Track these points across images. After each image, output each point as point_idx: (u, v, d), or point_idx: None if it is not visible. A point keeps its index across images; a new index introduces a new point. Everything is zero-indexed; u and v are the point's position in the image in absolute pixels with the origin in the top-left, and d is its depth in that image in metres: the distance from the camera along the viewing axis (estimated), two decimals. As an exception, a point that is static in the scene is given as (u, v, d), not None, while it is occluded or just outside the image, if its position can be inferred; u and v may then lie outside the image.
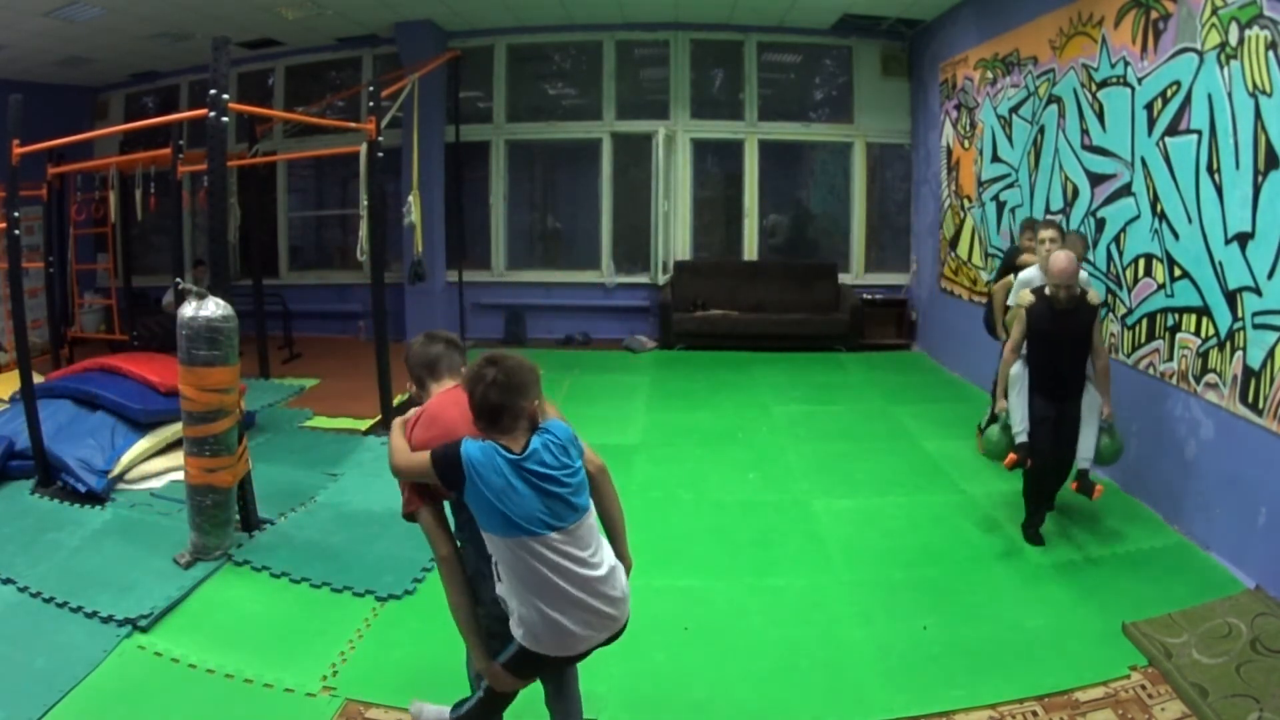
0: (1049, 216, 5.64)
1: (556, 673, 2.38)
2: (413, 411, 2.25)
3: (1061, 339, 3.90)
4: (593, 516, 2.14)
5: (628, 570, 2.24)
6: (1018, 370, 4.06)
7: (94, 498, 4.42)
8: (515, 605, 2.06)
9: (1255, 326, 3.64)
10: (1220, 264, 3.88)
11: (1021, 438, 3.99)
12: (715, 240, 9.58)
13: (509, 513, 1.98)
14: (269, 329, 7.70)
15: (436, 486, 2.09)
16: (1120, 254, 4.79)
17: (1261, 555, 3.52)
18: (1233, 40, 3.76)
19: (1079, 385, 3.98)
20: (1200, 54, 4.01)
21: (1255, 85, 3.61)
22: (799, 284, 8.83)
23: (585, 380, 7.34)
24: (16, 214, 4.69)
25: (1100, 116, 5.01)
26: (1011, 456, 3.99)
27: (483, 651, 2.16)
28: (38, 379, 5.10)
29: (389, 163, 6.32)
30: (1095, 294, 4.01)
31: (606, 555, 2.14)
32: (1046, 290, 3.90)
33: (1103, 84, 4.97)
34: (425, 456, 2.06)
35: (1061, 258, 3.83)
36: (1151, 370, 4.47)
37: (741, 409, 6.42)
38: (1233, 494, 3.76)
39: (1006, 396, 4.09)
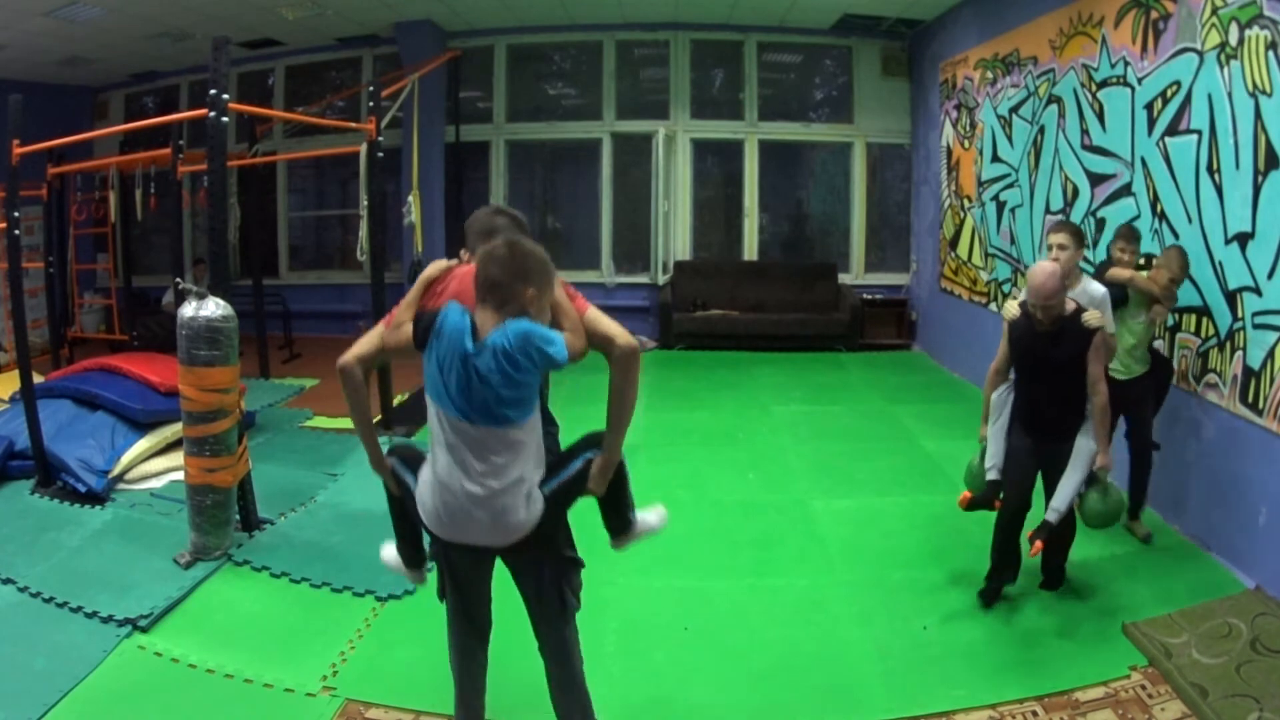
0: (1057, 217, 5.63)
1: (448, 564, 2.29)
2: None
3: (1040, 366, 3.28)
4: (516, 435, 2.04)
5: (609, 464, 2.15)
6: (1001, 395, 3.47)
7: (94, 498, 4.42)
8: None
9: (1255, 326, 3.64)
10: (1220, 264, 3.88)
11: (992, 475, 3.44)
12: (715, 240, 9.58)
13: (436, 379, 2.04)
14: (269, 329, 7.70)
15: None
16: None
17: (1261, 555, 3.52)
18: (1233, 40, 3.76)
19: (1066, 425, 3.30)
20: (1200, 54, 4.01)
21: (1255, 85, 3.61)
22: (799, 284, 8.83)
23: (585, 380, 7.26)
24: (16, 214, 4.68)
25: (1100, 116, 5.01)
26: (965, 495, 3.52)
27: (376, 451, 2.35)
28: (38, 379, 5.10)
29: (389, 163, 6.32)
30: (1095, 315, 3.26)
31: (504, 481, 2.03)
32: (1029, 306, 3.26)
33: (1103, 84, 4.97)
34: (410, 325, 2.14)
35: (1040, 271, 3.15)
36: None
37: (741, 409, 6.42)
38: (1233, 494, 3.76)
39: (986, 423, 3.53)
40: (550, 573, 2.25)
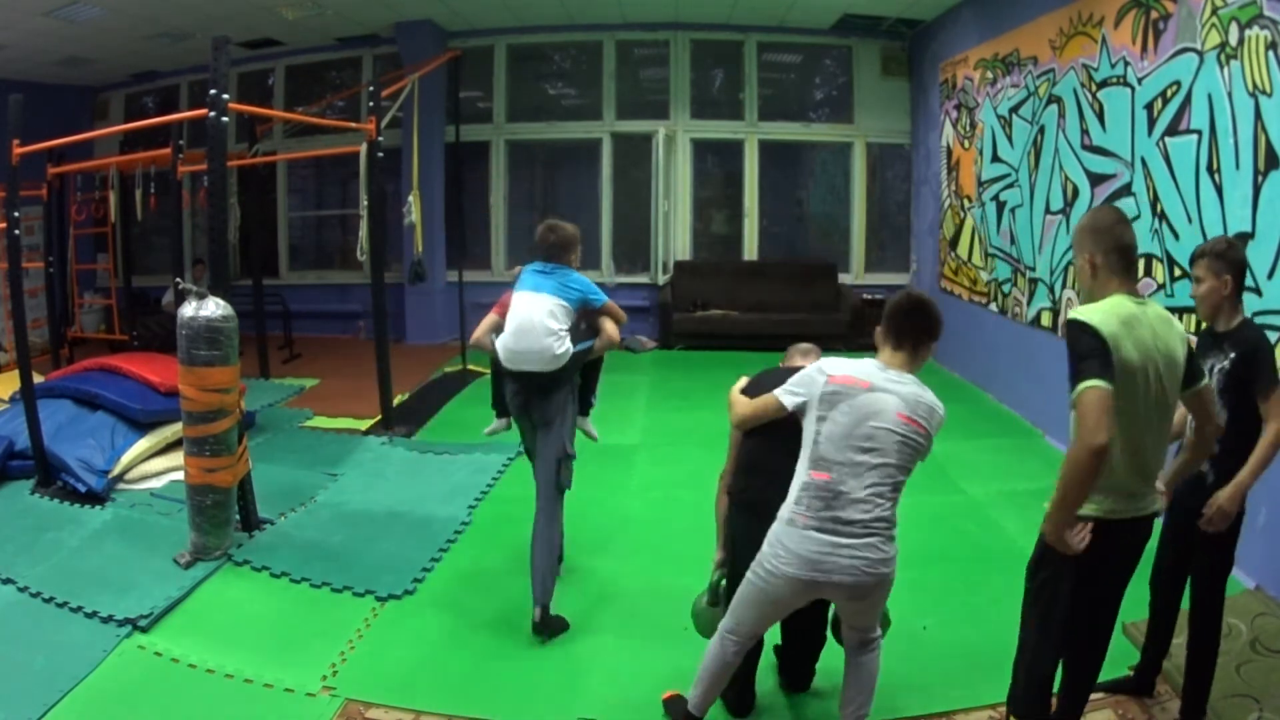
0: (1056, 217, 5.62)
1: (512, 400, 3.51)
2: None
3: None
4: (560, 303, 3.32)
5: (603, 349, 3.49)
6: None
7: (94, 498, 4.42)
8: None
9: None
10: (1220, 264, 3.88)
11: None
12: (715, 240, 9.58)
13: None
14: (269, 329, 7.70)
15: None
16: (1120, 254, 4.79)
17: (1261, 555, 3.52)
18: (1233, 40, 3.76)
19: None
20: (1200, 54, 4.02)
21: (1255, 85, 3.61)
22: (799, 284, 8.82)
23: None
24: (16, 214, 4.69)
25: (1100, 116, 5.01)
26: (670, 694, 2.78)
27: (481, 335, 3.53)
28: (38, 379, 5.10)
29: (389, 163, 6.32)
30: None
31: (557, 335, 3.28)
32: None
33: (1103, 84, 4.97)
34: None
35: None
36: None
37: (741, 409, 6.40)
38: (1233, 494, 3.75)
39: None
40: (555, 437, 3.37)
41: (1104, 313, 2.00)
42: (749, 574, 2.37)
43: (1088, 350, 1.95)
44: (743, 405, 2.58)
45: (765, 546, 2.32)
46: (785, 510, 2.30)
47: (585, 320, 3.44)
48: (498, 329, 3.37)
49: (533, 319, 3.25)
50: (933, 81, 8.13)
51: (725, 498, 2.72)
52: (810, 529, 2.22)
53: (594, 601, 3.53)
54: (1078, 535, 2.04)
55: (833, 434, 2.25)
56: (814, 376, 2.36)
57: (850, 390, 2.28)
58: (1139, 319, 2.02)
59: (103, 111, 9.93)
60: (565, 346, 3.28)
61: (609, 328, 3.45)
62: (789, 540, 2.25)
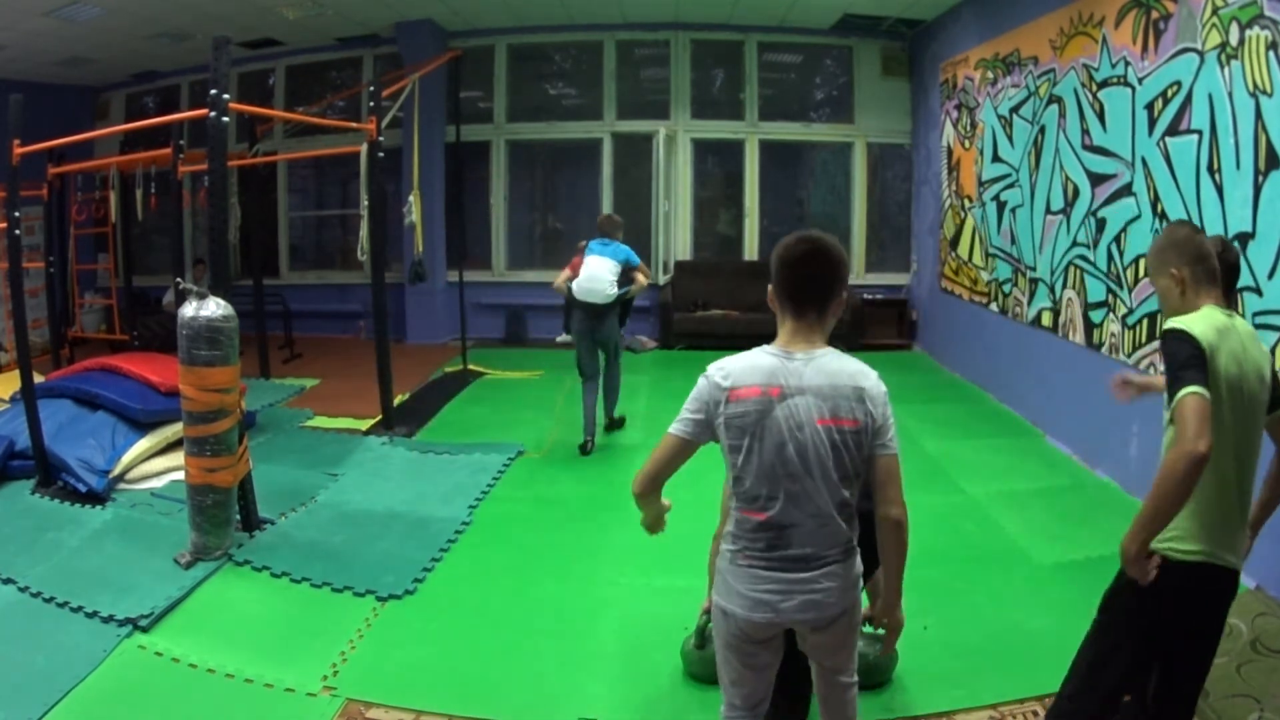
0: (1057, 217, 5.60)
1: (575, 325, 5.58)
2: None
3: None
4: (613, 264, 5.37)
5: (635, 289, 5.52)
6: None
7: (94, 497, 4.42)
8: None
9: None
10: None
11: None
12: (715, 240, 9.58)
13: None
14: (269, 329, 7.70)
15: None
16: (1121, 254, 4.79)
17: (1261, 555, 3.51)
18: (1233, 40, 3.76)
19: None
20: (1201, 54, 4.01)
21: (1256, 85, 3.61)
22: (799, 284, 8.81)
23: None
24: (17, 214, 4.69)
25: (1101, 116, 5.01)
26: None
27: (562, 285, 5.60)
28: (38, 379, 5.10)
29: (389, 163, 6.33)
30: None
31: (609, 277, 5.34)
32: None
33: (1103, 84, 4.97)
34: None
35: None
36: (1152, 370, 4.47)
37: (742, 409, 6.41)
38: (1233, 494, 3.75)
39: None
40: (611, 340, 5.52)
41: (1201, 322, 1.94)
42: (715, 647, 2.04)
43: (1186, 359, 1.87)
44: (642, 470, 1.98)
45: (715, 593, 1.98)
46: (725, 545, 1.94)
47: (626, 274, 5.43)
48: (570, 280, 5.39)
49: (597, 272, 5.31)
50: (933, 81, 8.13)
51: (717, 543, 2.40)
52: (756, 568, 1.86)
53: (594, 601, 3.53)
54: (1152, 565, 1.91)
55: (755, 467, 1.82)
56: (711, 393, 1.83)
57: (759, 406, 1.80)
58: (1231, 330, 1.97)
59: (103, 111, 9.93)
60: (615, 290, 5.34)
61: (640, 278, 5.50)
62: (736, 581, 1.90)
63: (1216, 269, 2.07)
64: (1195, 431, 1.77)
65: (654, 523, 2.12)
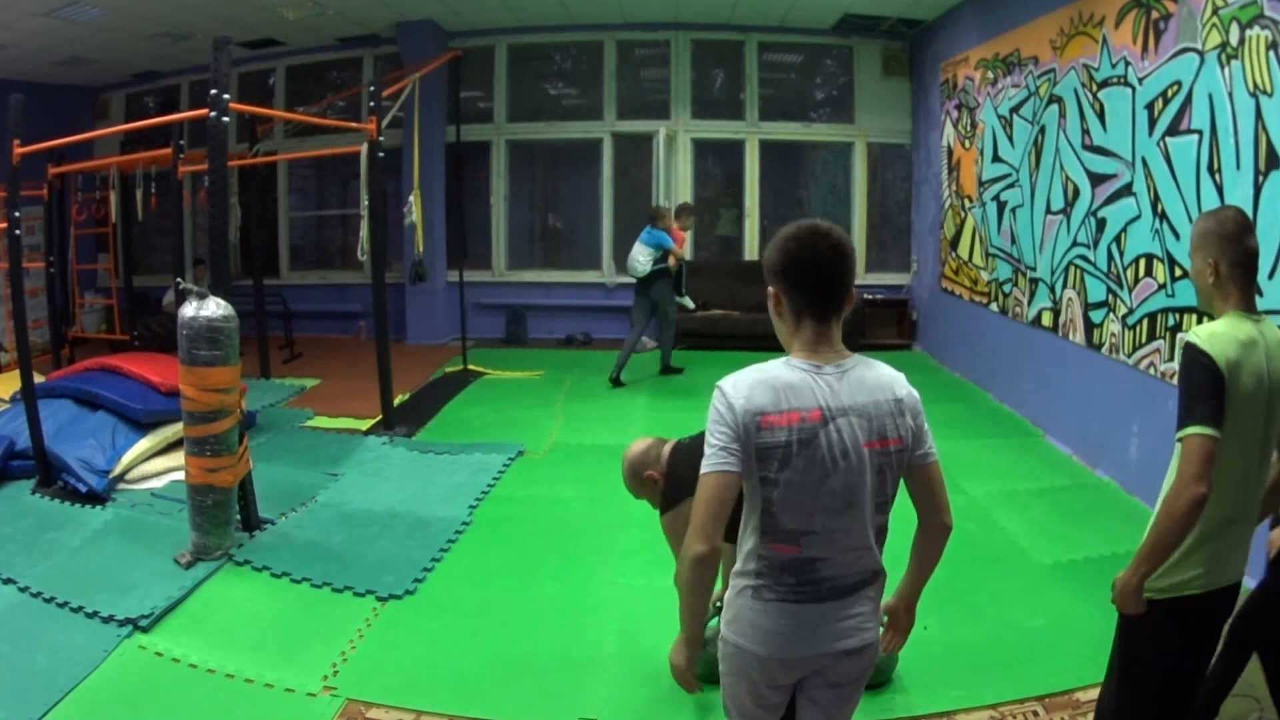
0: (1057, 217, 5.59)
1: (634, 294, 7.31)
2: None
3: None
4: (647, 248, 7.02)
5: (672, 263, 7.14)
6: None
7: (94, 498, 4.42)
8: None
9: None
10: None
11: None
12: (716, 240, 9.58)
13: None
14: (270, 329, 7.70)
15: None
16: (1121, 254, 4.79)
17: (1261, 555, 3.51)
18: (1233, 40, 3.76)
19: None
20: (1201, 54, 4.01)
21: (1256, 85, 3.61)
22: (800, 284, 8.80)
23: (586, 380, 7.35)
24: (17, 214, 4.69)
25: (1101, 116, 5.01)
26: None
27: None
28: (38, 379, 5.10)
29: (389, 163, 6.32)
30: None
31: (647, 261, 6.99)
32: None
33: (1103, 84, 4.96)
34: None
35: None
36: (1152, 370, 4.47)
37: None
38: (1233, 494, 3.75)
39: None
40: (661, 302, 7.19)
41: (1224, 338, 1.87)
42: (721, 678, 1.86)
43: (1200, 389, 1.82)
44: (691, 523, 1.62)
45: (724, 628, 1.76)
46: (740, 579, 1.70)
47: (664, 254, 6.97)
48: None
49: (633, 253, 7.01)
50: (933, 81, 8.13)
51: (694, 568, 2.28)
52: (783, 600, 1.65)
53: (594, 601, 3.53)
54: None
55: (792, 501, 1.59)
56: (738, 418, 1.56)
57: (799, 435, 1.56)
58: (1256, 341, 1.90)
59: (103, 111, 9.93)
60: (646, 267, 6.93)
61: (670, 259, 7.04)
62: (755, 615, 1.67)
63: (1256, 272, 2.01)
64: (1197, 473, 1.78)
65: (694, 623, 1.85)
